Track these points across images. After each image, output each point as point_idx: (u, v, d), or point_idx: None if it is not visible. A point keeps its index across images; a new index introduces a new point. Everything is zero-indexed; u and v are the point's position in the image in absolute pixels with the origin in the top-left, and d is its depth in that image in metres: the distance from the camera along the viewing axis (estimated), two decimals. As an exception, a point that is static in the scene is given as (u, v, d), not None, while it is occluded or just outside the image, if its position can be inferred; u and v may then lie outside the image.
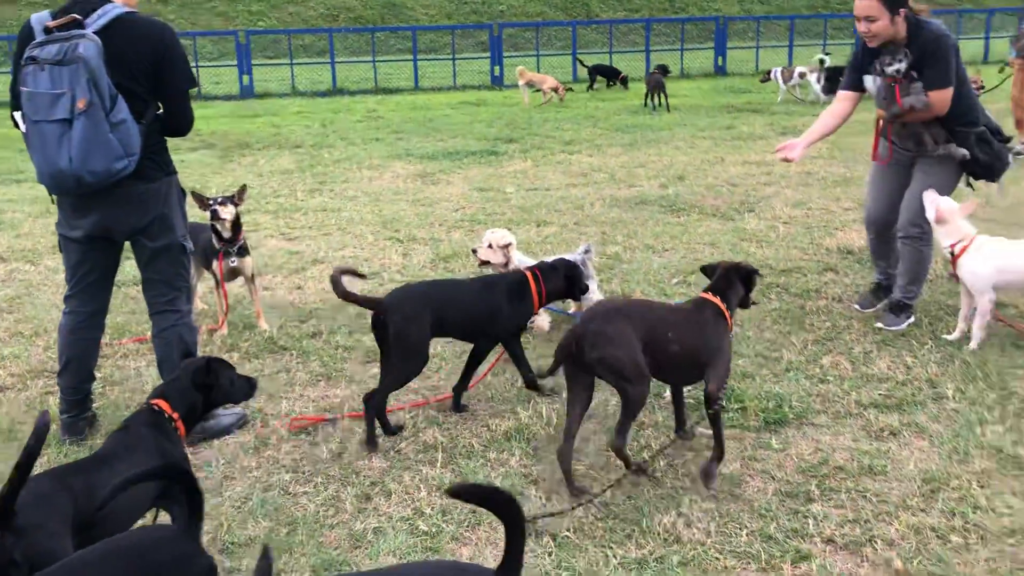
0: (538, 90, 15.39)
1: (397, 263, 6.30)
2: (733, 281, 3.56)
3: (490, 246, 4.84)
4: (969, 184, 4.90)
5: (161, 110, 3.55)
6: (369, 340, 4.83)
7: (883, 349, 4.59)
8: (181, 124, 3.61)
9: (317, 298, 5.59)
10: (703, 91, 17.07)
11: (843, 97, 4.96)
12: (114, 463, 2.62)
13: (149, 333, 4.03)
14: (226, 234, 4.87)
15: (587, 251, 5.08)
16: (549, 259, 4.37)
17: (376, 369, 4.46)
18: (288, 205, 8.14)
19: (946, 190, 4.67)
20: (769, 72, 15.67)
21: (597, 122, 13.22)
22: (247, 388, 3.11)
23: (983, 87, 9.68)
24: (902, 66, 4.43)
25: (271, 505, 3.26)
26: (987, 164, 4.69)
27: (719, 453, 3.32)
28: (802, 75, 15.30)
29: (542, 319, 4.94)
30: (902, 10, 4.40)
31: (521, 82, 15.51)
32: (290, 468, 3.51)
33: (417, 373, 3.83)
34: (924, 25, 4.48)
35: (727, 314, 3.46)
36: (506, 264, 4.86)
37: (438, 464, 3.52)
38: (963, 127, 4.61)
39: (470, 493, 1.98)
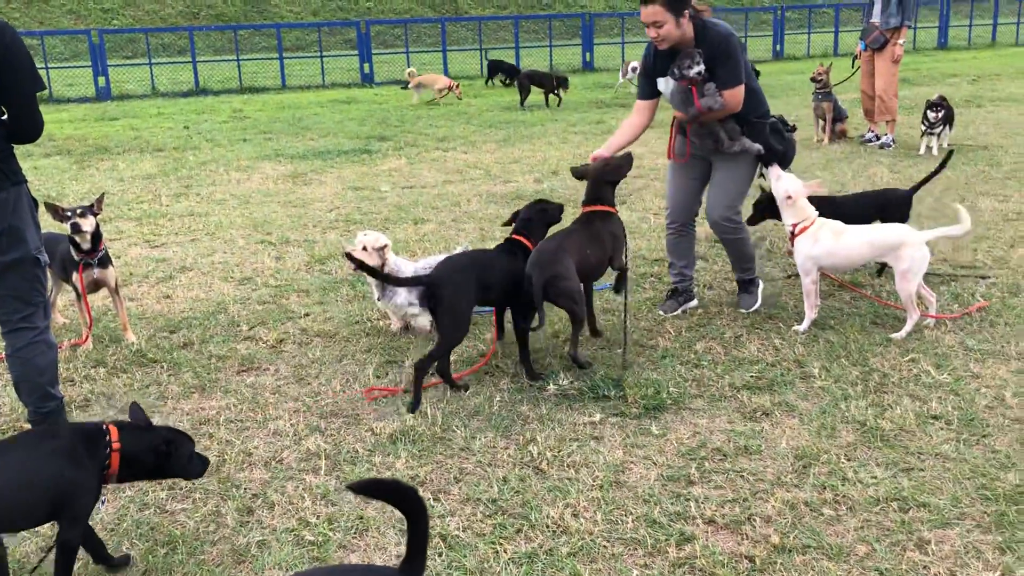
0: (444, 90, 15.05)
1: (270, 267, 6.13)
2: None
3: (364, 248, 4.76)
4: (761, 174, 5.06)
5: (5, 115, 3.33)
6: (244, 348, 4.70)
7: (752, 332, 4.76)
8: (29, 130, 3.38)
9: (187, 306, 5.38)
10: (572, 87, 17.29)
11: (640, 108, 4.91)
12: (4, 453, 2.58)
13: (3, 352, 3.79)
14: (85, 245, 4.62)
15: (466, 250, 5.08)
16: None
17: (252, 377, 4.35)
18: (152, 211, 7.81)
19: (746, 183, 4.86)
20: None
21: (470, 119, 13.24)
22: (201, 467, 2.91)
23: (825, 80, 10.13)
24: (702, 67, 4.51)
25: (147, 525, 3.12)
26: (783, 152, 4.84)
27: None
28: (635, 69, 15.73)
29: (423, 319, 4.90)
30: (686, 11, 4.47)
31: (412, 84, 15.29)
32: (166, 485, 3.36)
33: (461, 339, 4.19)
34: (710, 26, 4.55)
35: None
36: (382, 267, 4.79)
37: (322, 472, 3.44)
38: (758, 119, 4.76)
39: (371, 488, 2.02)
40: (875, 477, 3.29)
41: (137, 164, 10.04)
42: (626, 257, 4.66)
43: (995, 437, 3.57)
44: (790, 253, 4.93)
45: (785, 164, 4.91)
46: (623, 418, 3.84)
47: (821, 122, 10.36)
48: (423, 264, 4.97)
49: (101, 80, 17.07)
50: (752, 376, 4.21)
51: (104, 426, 2.73)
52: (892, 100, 9.78)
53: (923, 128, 9.42)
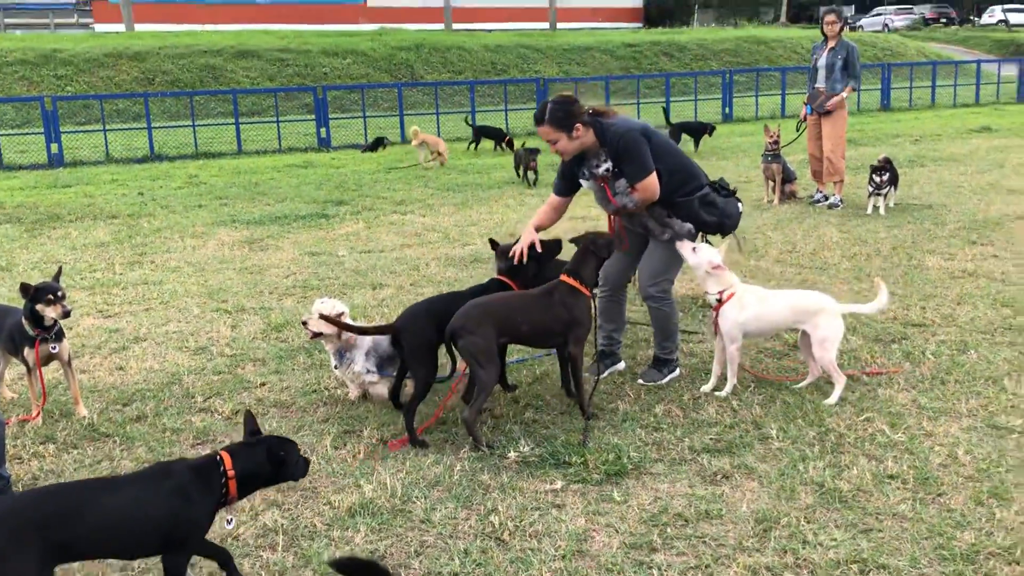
0: (439, 154, 15.10)
1: (225, 336, 6.06)
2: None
3: (321, 317, 4.74)
4: (707, 240, 5.12)
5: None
6: (199, 420, 4.62)
7: (711, 395, 4.80)
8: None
9: (140, 378, 5.29)
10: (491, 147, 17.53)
11: (554, 203, 4.94)
12: (121, 489, 2.86)
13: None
14: (49, 322, 4.53)
15: None
16: None
17: (207, 451, 4.26)
18: (105, 280, 7.71)
19: (676, 258, 4.83)
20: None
21: (428, 182, 13.32)
22: (305, 467, 3.20)
23: (778, 141, 10.41)
24: (609, 165, 4.61)
25: (96, 609, 3.02)
26: (716, 224, 4.87)
27: None
28: None
29: (381, 387, 4.86)
30: (578, 124, 4.54)
31: (415, 142, 15.34)
32: (117, 567, 3.26)
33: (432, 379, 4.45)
34: (607, 127, 4.61)
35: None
36: (339, 335, 4.77)
37: (279, 548, 3.37)
38: (684, 197, 4.75)
39: (349, 566, 2.34)
40: (835, 539, 3.31)
41: (90, 232, 9.93)
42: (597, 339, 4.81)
43: (950, 495, 3.61)
44: (713, 324, 4.78)
45: (725, 232, 4.96)
46: (585, 484, 3.83)
47: (771, 183, 10.59)
48: (381, 331, 4.95)
49: (54, 147, 16.93)
50: (711, 438, 4.23)
51: (218, 456, 2.97)
52: (840, 161, 10.07)
53: (870, 189, 9.67)
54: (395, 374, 4.86)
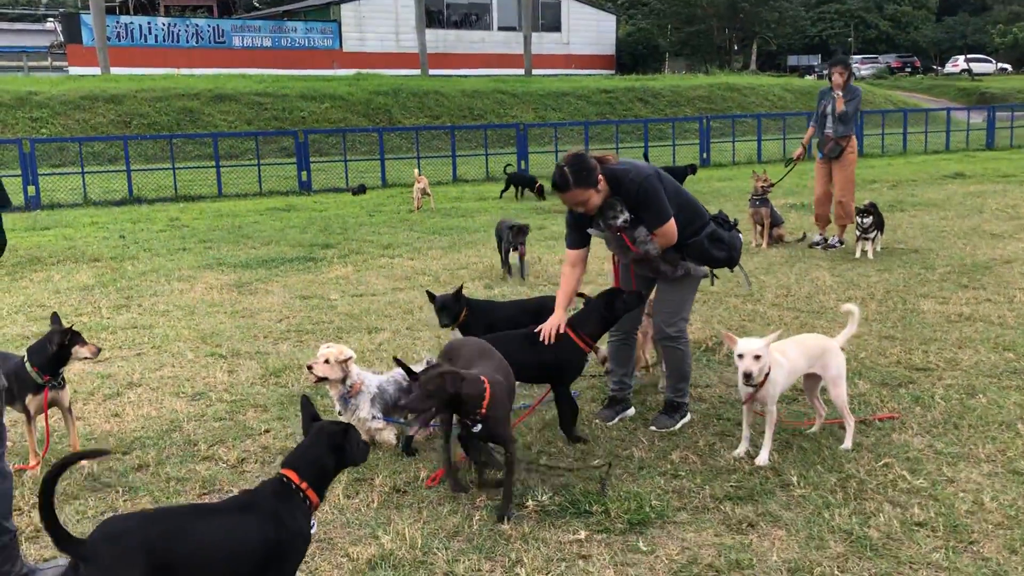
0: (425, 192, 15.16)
1: (223, 381, 5.92)
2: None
3: (327, 361, 4.64)
4: (713, 275, 5.14)
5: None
6: (204, 469, 4.49)
7: (724, 440, 4.74)
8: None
9: (138, 425, 5.14)
10: (512, 193, 17.58)
11: (573, 258, 4.86)
12: (214, 517, 2.87)
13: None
14: (74, 363, 4.53)
15: (429, 363, 4.98)
16: None
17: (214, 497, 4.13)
18: (93, 324, 7.54)
19: (689, 296, 4.91)
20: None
21: (413, 225, 13.27)
22: (365, 451, 3.25)
23: (770, 183, 10.51)
24: (627, 215, 4.56)
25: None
26: (726, 258, 4.89)
27: None
28: None
29: (388, 432, 4.76)
30: (600, 176, 4.50)
31: (418, 186, 15.30)
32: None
33: None
34: (621, 175, 4.56)
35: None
36: (344, 380, 4.66)
37: (301, 603, 3.25)
38: (693, 237, 4.74)
39: None
40: (873, 590, 3.24)
41: (73, 275, 9.74)
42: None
43: (982, 544, 3.57)
44: (751, 397, 4.44)
45: (732, 264, 4.97)
46: (608, 534, 3.74)
47: (759, 227, 10.66)
48: (389, 376, 4.86)
49: (31, 189, 16.72)
50: (732, 486, 4.16)
51: (284, 477, 2.97)
52: (851, 204, 10.25)
53: (857, 233, 9.76)
54: (403, 420, 4.77)
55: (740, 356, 4.29)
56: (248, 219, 14.42)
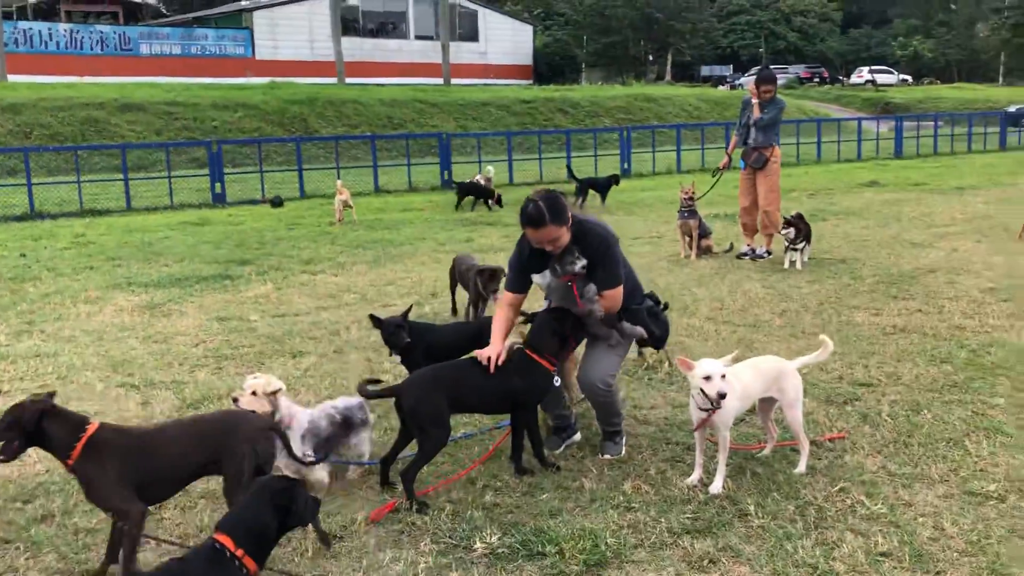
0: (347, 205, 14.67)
1: (137, 415, 5.49)
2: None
3: (254, 393, 4.28)
4: (640, 353, 4.99)
5: None
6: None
7: (675, 467, 4.55)
8: None
9: (42, 468, 4.68)
10: (435, 204, 17.29)
11: (511, 300, 4.71)
12: None
13: None
14: None
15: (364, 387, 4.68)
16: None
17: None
18: (-10, 352, 6.98)
19: (621, 355, 4.73)
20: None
21: (335, 239, 12.86)
22: (315, 508, 2.99)
23: (693, 197, 10.44)
24: (584, 262, 4.41)
25: None
26: (661, 337, 4.85)
27: None
28: (488, 180, 16.80)
29: (320, 472, 4.41)
30: (569, 216, 4.40)
31: (340, 197, 14.74)
32: None
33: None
34: (587, 226, 4.48)
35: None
36: (272, 415, 4.31)
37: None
38: (636, 306, 4.74)
39: None
40: (848, 632, 3.07)
41: (-32, 298, 9.07)
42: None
43: (949, 574, 3.44)
44: (703, 422, 4.27)
45: (660, 345, 4.94)
46: (564, 578, 3.50)
47: (687, 239, 10.61)
48: (321, 409, 4.52)
49: (-79, 204, 15.74)
50: (688, 517, 3.97)
51: (217, 543, 2.69)
52: (776, 214, 10.25)
53: (786, 244, 9.78)
54: (339, 458, 4.46)
55: (707, 378, 4.09)
56: (159, 234, 13.79)
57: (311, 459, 4.33)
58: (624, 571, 3.55)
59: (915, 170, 21.63)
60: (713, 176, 11.09)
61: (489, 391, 4.36)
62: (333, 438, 4.46)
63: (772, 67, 63.07)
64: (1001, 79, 67.81)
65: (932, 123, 28.80)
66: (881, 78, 60.59)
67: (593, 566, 3.57)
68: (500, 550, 3.71)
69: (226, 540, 2.67)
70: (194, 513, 4.14)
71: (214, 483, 4.41)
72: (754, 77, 10.48)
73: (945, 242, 10.97)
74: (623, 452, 4.72)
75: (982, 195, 15.96)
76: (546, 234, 4.33)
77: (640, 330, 4.67)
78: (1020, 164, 22.17)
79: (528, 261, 4.57)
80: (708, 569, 3.54)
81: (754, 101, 10.31)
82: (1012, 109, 34.76)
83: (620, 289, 4.53)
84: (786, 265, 9.72)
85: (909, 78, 64.72)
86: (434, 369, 4.49)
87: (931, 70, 68.41)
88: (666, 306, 5.01)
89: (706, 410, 4.20)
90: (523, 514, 4.04)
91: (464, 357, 4.63)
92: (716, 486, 4.23)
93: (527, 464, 4.52)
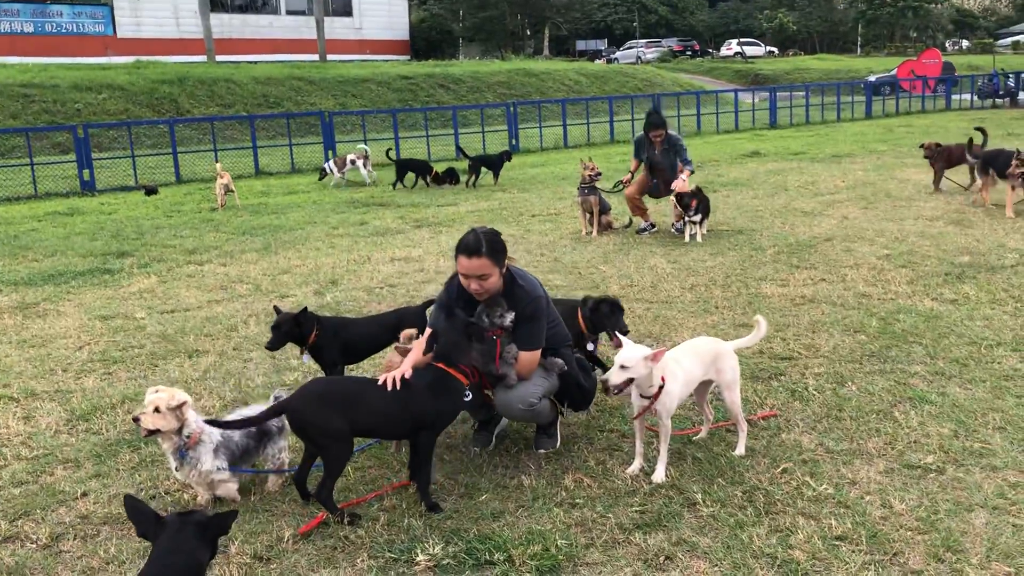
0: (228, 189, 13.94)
1: (18, 432, 4.96)
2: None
3: (157, 410, 3.86)
4: (562, 412, 4.61)
5: None
6: (7, 555, 3.64)
7: (614, 456, 4.40)
8: None
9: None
10: (321, 186, 16.70)
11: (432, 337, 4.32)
12: None
13: None
14: None
15: (278, 398, 4.32)
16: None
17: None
18: None
19: (543, 386, 4.35)
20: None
21: (219, 226, 12.19)
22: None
23: (596, 174, 10.32)
24: (512, 316, 4.17)
25: None
26: (587, 393, 4.55)
27: None
28: (352, 162, 16.73)
29: (232, 484, 4.05)
30: (505, 261, 4.22)
31: (221, 181, 13.87)
32: None
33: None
34: (519, 281, 4.27)
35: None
36: (179, 429, 3.91)
37: None
38: (566, 348, 4.53)
39: None
40: (820, 625, 2.96)
41: None
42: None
43: (906, 555, 3.39)
44: (644, 409, 4.12)
45: (583, 407, 4.60)
46: (518, 588, 3.28)
47: (588, 215, 10.50)
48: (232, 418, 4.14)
49: None
50: (636, 511, 3.81)
51: None
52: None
53: (685, 218, 9.79)
54: (256, 469, 4.11)
55: (623, 367, 3.94)
56: (25, 227, 12.80)
57: (224, 472, 3.98)
58: (579, 575, 3.35)
59: (792, 139, 22.23)
60: (614, 189, 11.07)
61: (389, 411, 3.88)
62: (250, 450, 4.12)
63: (647, 40, 64.19)
64: (859, 49, 70.84)
65: (803, 93, 29.71)
66: (749, 50, 62.38)
67: (546, 572, 3.36)
68: (445, 561, 3.46)
69: None
70: (98, 542, 3.72)
71: (117, 507, 4.00)
72: (633, 51, 10.37)
73: (834, 210, 11.22)
74: (558, 444, 4.52)
75: (859, 162, 16.48)
76: (477, 265, 4.06)
77: (560, 362, 4.37)
78: (888, 131, 23.09)
79: (455, 303, 4.29)
80: (665, 567, 3.39)
81: (658, 145, 10.34)
82: (872, 79, 36.30)
83: (537, 355, 4.26)
84: (686, 239, 9.73)
85: (775, 50, 66.86)
86: (326, 383, 4.17)
87: (794, 42, 70.83)
88: (597, 365, 4.71)
89: (647, 398, 4.05)
90: (464, 519, 3.79)
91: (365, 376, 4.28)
92: (659, 474, 4.09)
93: (461, 463, 4.27)
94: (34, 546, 3.70)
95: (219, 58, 38.78)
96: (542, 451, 4.47)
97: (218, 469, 3.97)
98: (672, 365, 4.13)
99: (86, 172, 17.20)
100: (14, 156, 21.00)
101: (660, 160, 10.38)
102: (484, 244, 4.06)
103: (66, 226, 12.75)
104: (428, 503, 3.88)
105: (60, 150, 21.75)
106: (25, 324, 7.37)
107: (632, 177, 10.79)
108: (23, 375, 5.99)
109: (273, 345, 5.00)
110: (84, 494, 4.16)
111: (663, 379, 4.04)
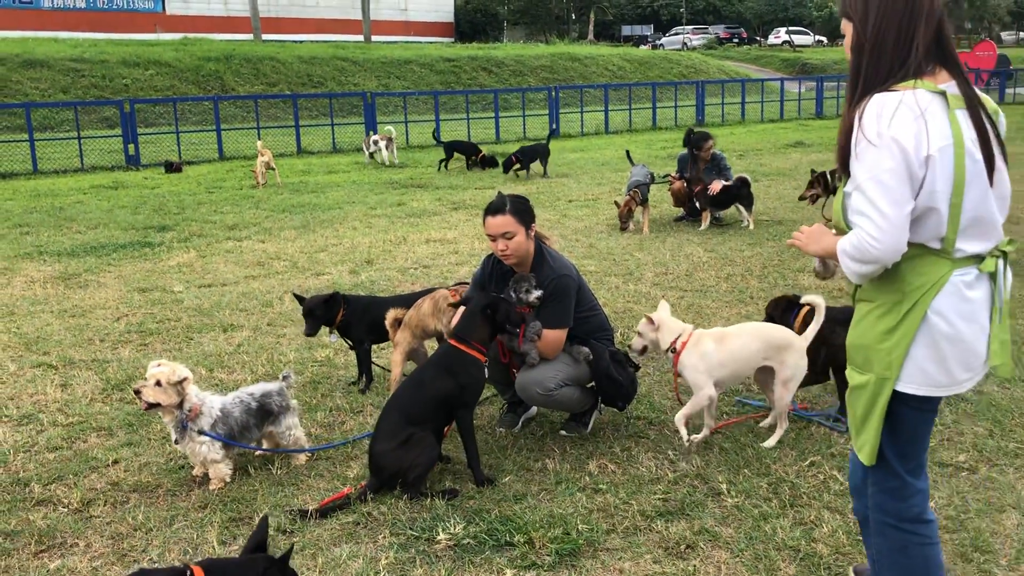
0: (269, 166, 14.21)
1: (55, 399, 5.06)
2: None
3: (158, 384, 3.86)
4: (600, 410, 4.60)
5: None
6: (40, 517, 3.72)
7: (640, 443, 4.38)
8: None
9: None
10: (362, 166, 16.80)
11: None
12: None
13: None
14: None
15: (286, 378, 4.35)
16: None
17: (56, 561, 3.39)
18: None
19: (564, 371, 4.31)
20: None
21: (259, 203, 12.32)
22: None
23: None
24: (540, 293, 4.17)
25: None
26: (626, 385, 4.38)
27: None
28: (375, 143, 17.10)
29: (224, 465, 4.00)
30: (533, 225, 4.25)
31: (262, 159, 14.09)
32: None
33: None
34: (548, 259, 4.29)
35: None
36: (180, 404, 3.91)
37: None
38: (597, 340, 4.44)
39: None
40: (840, 620, 2.93)
41: None
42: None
43: (933, 552, 3.33)
44: (677, 376, 4.32)
45: (625, 403, 4.47)
46: (537, 570, 3.28)
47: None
48: (235, 396, 4.12)
49: None
50: (659, 499, 3.79)
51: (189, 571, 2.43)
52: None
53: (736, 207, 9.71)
54: (254, 446, 4.16)
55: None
56: (70, 199, 13.04)
57: (217, 452, 3.95)
58: (599, 560, 3.34)
59: (836, 130, 21.85)
60: (662, 178, 11.01)
61: (423, 403, 3.93)
62: (249, 427, 4.10)
63: (693, 26, 63.34)
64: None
65: (851, 84, 29.17)
66: (798, 39, 61.41)
67: (566, 556, 3.35)
68: (465, 541, 3.47)
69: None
70: (127, 509, 3.79)
71: (147, 476, 4.07)
72: (679, 37, 10.21)
73: (877, 203, 11.02)
74: (587, 431, 4.51)
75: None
76: (501, 223, 4.14)
77: (586, 350, 4.33)
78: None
79: (488, 280, 4.44)
80: (686, 555, 3.37)
81: (703, 163, 10.19)
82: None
83: (562, 334, 4.25)
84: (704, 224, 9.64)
85: (824, 39, 65.75)
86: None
87: (845, 32, 69.50)
88: (637, 367, 4.61)
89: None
90: (486, 500, 3.80)
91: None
92: (679, 419, 4.22)
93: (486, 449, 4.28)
94: (66, 510, 3.78)
95: (265, 37, 39.11)
96: (564, 433, 4.46)
97: (211, 447, 3.92)
98: (704, 340, 4.15)
99: (131, 147, 17.45)
100: (63, 129, 21.37)
101: (703, 178, 10.14)
102: (508, 203, 4.19)
103: (110, 199, 12.95)
104: (478, 478, 3.93)
105: (107, 124, 22.09)
106: (67, 294, 7.51)
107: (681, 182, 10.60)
108: (62, 343, 6.11)
109: (311, 331, 5.07)
110: (115, 461, 4.24)
111: (674, 344, 4.21)
